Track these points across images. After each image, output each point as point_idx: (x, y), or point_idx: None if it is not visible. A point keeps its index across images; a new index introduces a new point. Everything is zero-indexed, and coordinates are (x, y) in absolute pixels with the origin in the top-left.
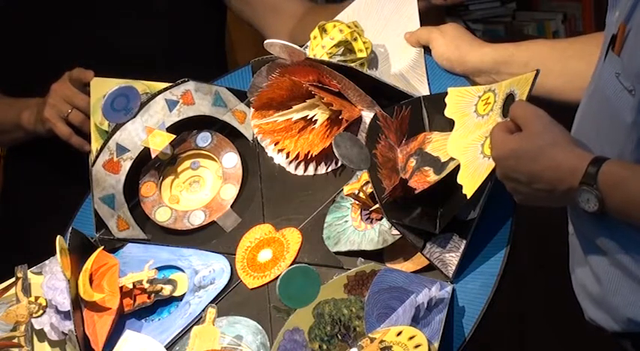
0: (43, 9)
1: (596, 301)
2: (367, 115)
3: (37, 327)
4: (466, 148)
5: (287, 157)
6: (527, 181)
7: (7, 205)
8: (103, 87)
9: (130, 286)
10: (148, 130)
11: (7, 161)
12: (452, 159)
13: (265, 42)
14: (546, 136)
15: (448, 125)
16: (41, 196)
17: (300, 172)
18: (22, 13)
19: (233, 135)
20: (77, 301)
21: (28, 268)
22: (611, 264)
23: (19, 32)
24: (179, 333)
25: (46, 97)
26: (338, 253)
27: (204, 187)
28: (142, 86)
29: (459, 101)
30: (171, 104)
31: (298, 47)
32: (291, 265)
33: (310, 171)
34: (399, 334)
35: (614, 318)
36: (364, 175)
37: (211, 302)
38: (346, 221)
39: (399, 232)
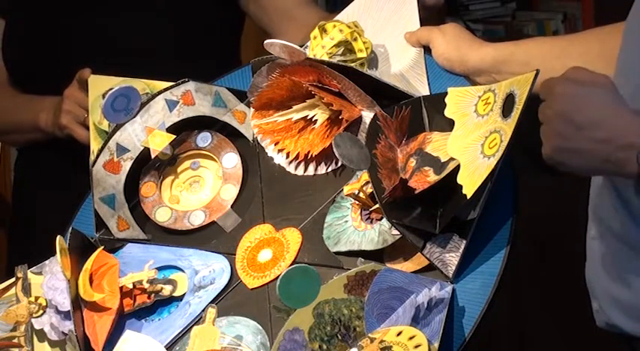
0: (47, 4)
1: (625, 306)
2: (367, 115)
3: (37, 327)
4: (466, 148)
5: (287, 157)
6: (584, 125)
7: (17, 204)
8: (100, 84)
9: (130, 286)
10: (148, 131)
11: (17, 161)
12: (452, 159)
13: (265, 42)
14: (617, 92)
15: (448, 125)
16: (49, 196)
17: (300, 172)
18: (26, 9)
19: (233, 135)
20: (77, 301)
21: (28, 268)
22: None
23: (23, 27)
24: (179, 333)
25: (59, 103)
26: (338, 253)
27: (205, 187)
28: (141, 85)
29: (459, 101)
30: (172, 104)
31: (298, 47)
32: (291, 265)
33: (310, 171)
34: (399, 334)
35: None
36: (364, 175)
37: (211, 302)
38: (346, 221)
39: (399, 232)
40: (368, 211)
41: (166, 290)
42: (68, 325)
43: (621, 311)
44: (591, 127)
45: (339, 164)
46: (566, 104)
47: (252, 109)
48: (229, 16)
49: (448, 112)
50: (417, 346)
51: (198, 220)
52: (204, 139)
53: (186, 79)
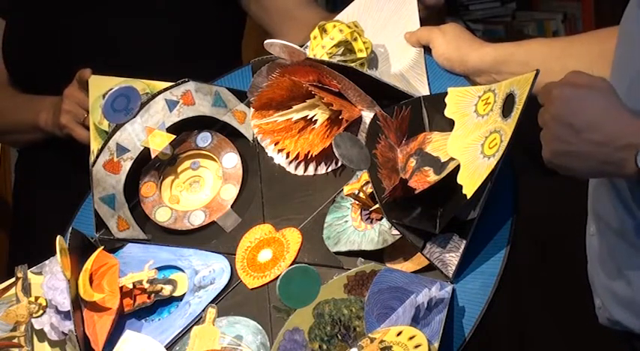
0: (47, 4)
1: (625, 302)
2: (367, 115)
3: (37, 327)
4: (466, 148)
5: (287, 157)
6: (582, 128)
7: (17, 204)
8: (101, 85)
9: (130, 286)
10: (147, 131)
11: (17, 162)
12: (452, 159)
13: (265, 42)
14: (615, 94)
15: (448, 125)
16: (49, 196)
17: (300, 172)
18: (26, 9)
19: (233, 135)
20: (77, 301)
21: (28, 268)
22: None
23: (23, 27)
24: (179, 333)
25: (59, 103)
26: (338, 253)
27: (205, 187)
28: (141, 85)
29: (459, 101)
30: (172, 104)
31: (298, 47)
32: (291, 265)
33: (310, 171)
34: (399, 334)
35: None
36: (364, 175)
37: (211, 302)
38: (346, 221)
39: (399, 232)
40: (368, 211)
41: (166, 290)
42: (68, 325)
43: (622, 307)
44: (589, 129)
45: (339, 164)
46: (563, 108)
47: (252, 109)
48: (230, 16)
49: (448, 112)
50: (417, 346)
51: (198, 220)
52: (204, 139)
53: (186, 79)
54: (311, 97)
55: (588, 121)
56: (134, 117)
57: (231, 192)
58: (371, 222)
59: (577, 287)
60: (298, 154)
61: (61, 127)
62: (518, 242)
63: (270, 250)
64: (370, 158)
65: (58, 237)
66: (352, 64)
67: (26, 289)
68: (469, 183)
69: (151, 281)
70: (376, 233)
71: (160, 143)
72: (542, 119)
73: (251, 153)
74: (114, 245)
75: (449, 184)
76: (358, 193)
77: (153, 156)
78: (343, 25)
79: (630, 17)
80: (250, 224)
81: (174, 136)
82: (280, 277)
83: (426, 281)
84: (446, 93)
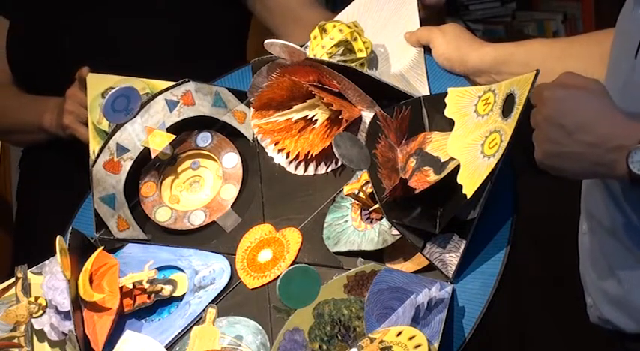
0: (48, 4)
1: (615, 301)
2: (367, 115)
3: (37, 327)
4: (466, 148)
5: (287, 157)
6: (573, 129)
7: (21, 203)
8: (99, 83)
9: (130, 286)
10: (148, 131)
11: (21, 161)
12: (452, 159)
13: (265, 42)
14: (607, 96)
15: (448, 125)
16: (52, 196)
17: (300, 172)
18: (27, 9)
19: (233, 135)
20: (77, 301)
21: (29, 268)
22: (635, 261)
23: (23, 27)
24: (179, 333)
25: (62, 103)
26: (338, 253)
27: (205, 187)
28: (141, 84)
29: (459, 101)
30: (172, 104)
31: (298, 47)
32: (291, 265)
33: (310, 171)
34: (399, 334)
35: (634, 318)
36: (364, 175)
37: (211, 302)
38: (346, 221)
39: (399, 232)
40: (368, 211)
41: (166, 290)
42: (68, 325)
43: (613, 306)
44: (580, 130)
45: (339, 164)
46: (554, 109)
47: (252, 109)
48: (231, 16)
49: (448, 112)
50: (417, 346)
51: (198, 220)
52: (204, 139)
53: (186, 79)
54: (311, 97)
55: (580, 122)
56: (134, 117)
57: (231, 192)
58: (371, 222)
59: (576, 287)
60: (298, 154)
61: (64, 128)
62: (518, 242)
63: (270, 250)
64: (370, 158)
65: (58, 237)
66: (352, 64)
67: (26, 289)
68: (469, 183)
69: (151, 281)
70: (376, 233)
71: (159, 143)
72: (535, 120)
73: (251, 153)
74: (114, 245)
75: (449, 184)
76: (358, 193)
77: (153, 156)
78: (343, 25)
79: (627, 16)
80: (250, 224)
81: (174, 136)
82: (280, 277)
83: (426, 281)
84: (446, 93)
